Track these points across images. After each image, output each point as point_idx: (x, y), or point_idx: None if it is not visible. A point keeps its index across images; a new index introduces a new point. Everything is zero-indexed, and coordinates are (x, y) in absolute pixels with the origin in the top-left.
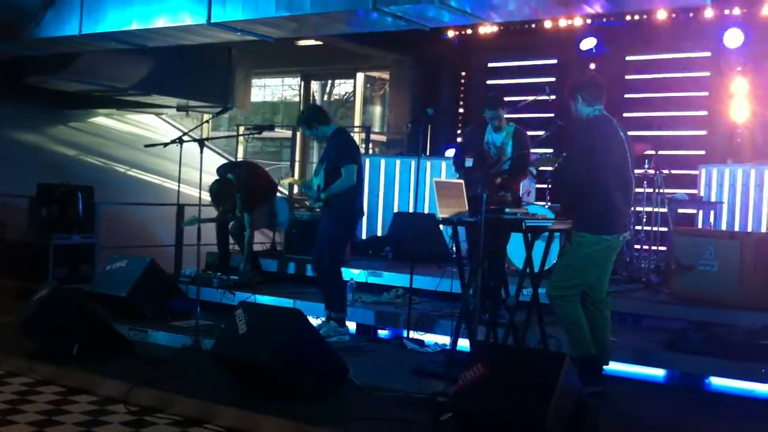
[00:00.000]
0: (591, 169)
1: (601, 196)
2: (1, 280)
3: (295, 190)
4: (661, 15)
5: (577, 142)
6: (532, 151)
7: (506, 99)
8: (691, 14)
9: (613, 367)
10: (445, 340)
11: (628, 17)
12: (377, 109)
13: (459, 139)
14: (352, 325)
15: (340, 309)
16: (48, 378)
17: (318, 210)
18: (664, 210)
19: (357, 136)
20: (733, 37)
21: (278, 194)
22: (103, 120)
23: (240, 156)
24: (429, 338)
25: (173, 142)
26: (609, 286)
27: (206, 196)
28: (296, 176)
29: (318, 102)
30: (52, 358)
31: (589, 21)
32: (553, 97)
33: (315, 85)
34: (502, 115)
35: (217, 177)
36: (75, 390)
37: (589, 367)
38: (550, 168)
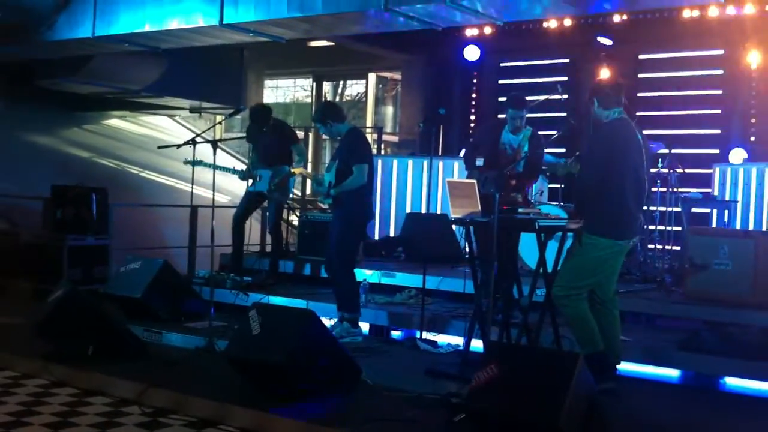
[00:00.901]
0: (607, 173)
1: (616, 201)
2: (16, 282)
3: (308, 189)
4: (674, 13)
5: (596, 146)
6: (548, 151)
7: None
8: (704, 12)
9: (627, 367)
10: (458, 340)
11: (641, 15)
12: (389, 110)
13: (471, 138)
14: (365, 326)
15: (353, 310)
16: (63, 379)
17: (329, 210)
18: (678, 209)
19: (369, 137)
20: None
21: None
22: (116, 122)
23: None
24: (442, 339)
25: (186, 143)
26: (622, 286)
27: (220, 197)
28: (309, 169)
29: None
30: (67, 359)
31: (601, 19)
32: (565, 96)
33: (327, 86)
34: (525, 116)
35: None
36: (90, 391)
37: (600, 364)
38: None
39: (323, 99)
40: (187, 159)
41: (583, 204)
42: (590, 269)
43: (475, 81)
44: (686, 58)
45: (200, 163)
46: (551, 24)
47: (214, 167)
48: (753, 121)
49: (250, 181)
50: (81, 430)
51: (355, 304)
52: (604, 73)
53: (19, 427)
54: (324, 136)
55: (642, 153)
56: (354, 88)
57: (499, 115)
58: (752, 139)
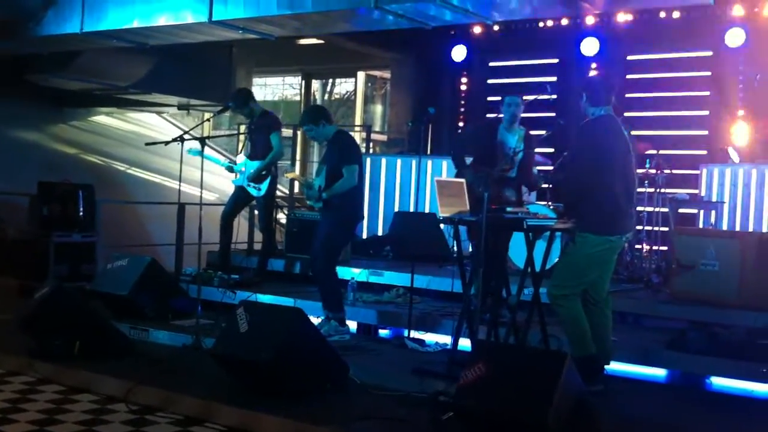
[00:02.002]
0: (595, 169)
1: (605, 197)
2: (2, 279)
3: (296, 189)
4: (663, 14)
5: (582, 142)
6: (537, 150)
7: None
8: (692, 13)
9: (615, 366)
10: (446, 339)
11: (630, 16)
12: (378, 108)
13: (459, 136)
14: (353, 325)
15: (336, 309)
16: (49, 377)
17: (318, 210)
18: (665, 210)
19: (358, 135)
20: (735, 36)
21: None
22: (103, 118)
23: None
24: (430, 338)
25: (174, 140)
26: (610, 285)
27: (207, 195)
28: (297, 172)
29: (319, 101)
30: (53, 356)
31: (590, 20)
32: (554, 96)
33: (316, 84)
34: (522, 105)
35: None
36: (76, 389)
37: (590, 367)
38: (550, 168)
39: (312, 97)
40: (191, 148)
41: (572, 202)
42: (583, 267)
43: (464, 80)
44: (674, 60)
45: (200, 153)
46: (540, 24)
47: (203, 156)
48: (740, 122)
49: (237, 175)
50: (67, 427)
51: (338, 304)
52: (597, 70)
53: (4, 424)
54: None
55: (629, 150)
56: (343, 86)
57: (488, 115)
58: (739, 140)
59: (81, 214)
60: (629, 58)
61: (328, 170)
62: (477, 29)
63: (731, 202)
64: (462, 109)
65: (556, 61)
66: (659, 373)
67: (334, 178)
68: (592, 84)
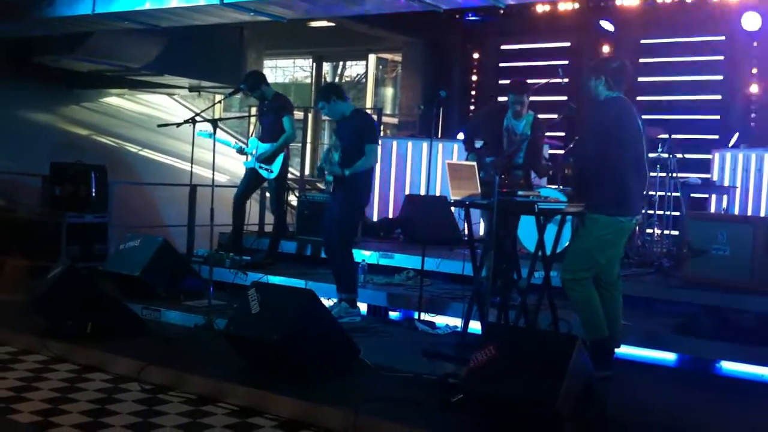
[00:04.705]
0: (604, 149)
1: (615, 177)
2: (15, 259)
3: (307, 171)
4: None
5: (593, 122)
6: (548, 134)
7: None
8: None
9: (624, 350)
10: (456, 322)
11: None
12: (389, 91)
13: (471, 120)
14: (363, 306)
15: (350, 290)
16: (61, 356)
17: (329, 190)
18: (677, 194)
19: None
20: (751, 20)
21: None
22: (114, 100)
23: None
24: (440, 320)
25: (186, 122)
26: (620, 269)
27: (219, 176)
28: (308, 150)
29: None
30: (65, 336)
31: (603, 3)
32: (566, 80)
33: (327, 67)
34: (527, 101)
35: None
36: (88, 368)
37: (602, 351)
38: (561, 152)
39: (323, 80)
40: (201, 130)
41: (581, 183)
42: (593, 250)
43: (475, 64)
44: (688, 44)
45: (209, 135)
46: (553, 7)
47: (214, 138)
48: (753, 107)
49: (248, 157)
50: (80, 405)
51: (352, 284)
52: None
53: (18, 403)
54: (324, 117)
55: (641, 134)
56: (354, 69)
57: (500, 98)
58: (752, 125)
59: (93, 194)
60: (642, 41)
61: (344, 148)
62: (489, 12)
63: (743, 186)
64: (473, 93)
65: (568, 44)
66: (669, 357)
67: (350, 155)
68: (614, 68)
